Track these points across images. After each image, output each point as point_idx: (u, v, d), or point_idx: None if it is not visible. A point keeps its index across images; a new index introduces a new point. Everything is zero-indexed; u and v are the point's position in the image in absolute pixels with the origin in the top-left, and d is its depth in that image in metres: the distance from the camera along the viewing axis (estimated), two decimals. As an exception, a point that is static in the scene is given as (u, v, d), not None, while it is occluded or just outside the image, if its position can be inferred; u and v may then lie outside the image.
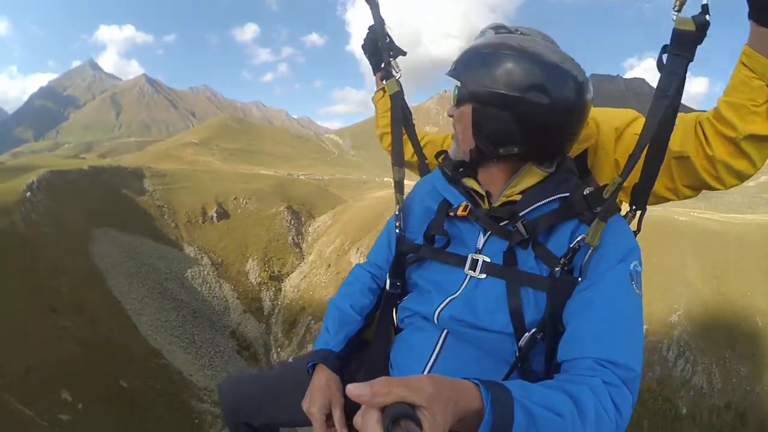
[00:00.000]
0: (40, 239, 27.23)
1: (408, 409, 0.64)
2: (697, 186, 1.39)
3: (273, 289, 37.74)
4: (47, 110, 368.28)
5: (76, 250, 29.23)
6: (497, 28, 1.34)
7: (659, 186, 1.36)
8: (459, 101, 1.23)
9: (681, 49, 1.13)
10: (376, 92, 2.14)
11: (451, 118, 1.30)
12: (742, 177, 1.32)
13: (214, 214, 40.95)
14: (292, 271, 39.47)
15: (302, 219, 44.46)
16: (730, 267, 31.63)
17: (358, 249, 36.15)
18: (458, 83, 1.22)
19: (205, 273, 36.16)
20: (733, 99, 1.22)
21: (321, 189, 52.86)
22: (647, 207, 1.30)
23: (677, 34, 1.12)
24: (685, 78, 1.13)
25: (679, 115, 1.28)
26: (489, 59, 1.17)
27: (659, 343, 29.31)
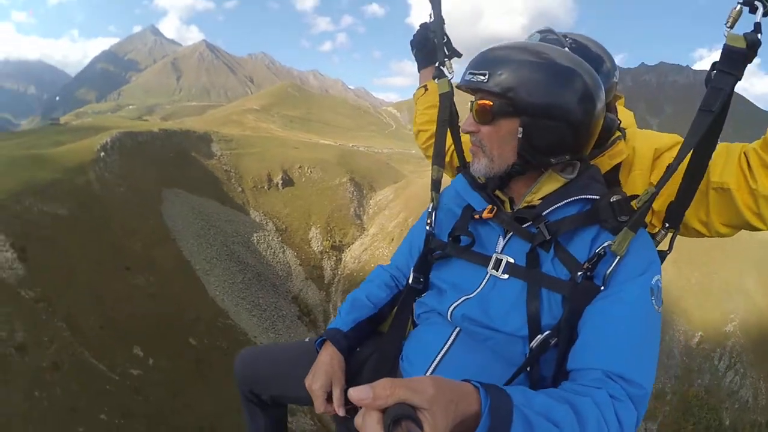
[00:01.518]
0: (113, 198, 27.16)
1: (409, 410, 0.64)
2: (735, 224, 1.27)
3: (334, 258, 36.75)
4: (109, 73, 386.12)
5: (148, 209, 29.10)
6: (546, 33, 1.41)
7: (692, 216, 1.29)
8: (496, 116, 1.14)
9: (730, 66, 1.08)
10: (418, 89, 2.04)
11: (471, 134, 1.22)
12: None
13: (280, 181, 40.16)
14: (353, 242, 38.28)
15: (364, 191, 42.99)
16: None
17: (421, 226, 33.91)
18: (492, 98, 1.14)
19: (270, 238, 35.52)
20: None
21: (382, 163, 51.15)
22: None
23: (727, 51, 1.08)
24: (731, 95, 1.09)
25: (725, 144, 1.25)
26: (536, 69, 1.10)
27: (712, 352, 28.89)
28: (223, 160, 40.08)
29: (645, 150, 1.41)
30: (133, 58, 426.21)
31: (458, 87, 1.29)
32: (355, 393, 0.65)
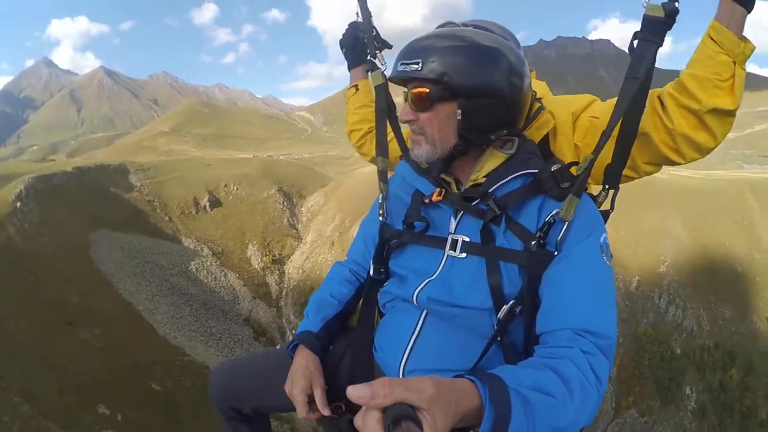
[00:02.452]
0: (39, 251, 25.10)
1: (409, 410, 0.63)
2: (657, 161, 1.34)
3: (277, 272, 36.67)
4: (5, 115, 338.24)
5: (76, 256, 27.22)
6: (449, 25, 1.35)
7: None
8: (434, 101, 1.18)
9: (651, 34, 1.15)
10: (348, 89, 2.02)
11: (409, 123, 1.24)
12: (702, 150, 1.27)
13: (207, 203, 38.98)
14: (293, 253, 38.37)
15: (294, 200, 42.99)
16: (707, 220, 33.82)
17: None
18: (427, 85, 1.17)
19: (208, 264, 34.64)
20: (698, 72, 1.20)
21: (306, 168, 51.13)
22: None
23: (647, 20, 1.15)
24: (654, 61, 1.15)
25: None
26: (466, 53, 1.14)
27: (651, 292, 31.50)
28: (144, 190, 38.01)
29: (563, 115, 1.46)
30: (29, 95, 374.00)
31: (391, 79, 1.32)
32: (354, 391, 0.64)
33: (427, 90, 1.17)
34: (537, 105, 1.40)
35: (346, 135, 2.11)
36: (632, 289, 31.81)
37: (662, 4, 1.15)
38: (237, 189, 41.12)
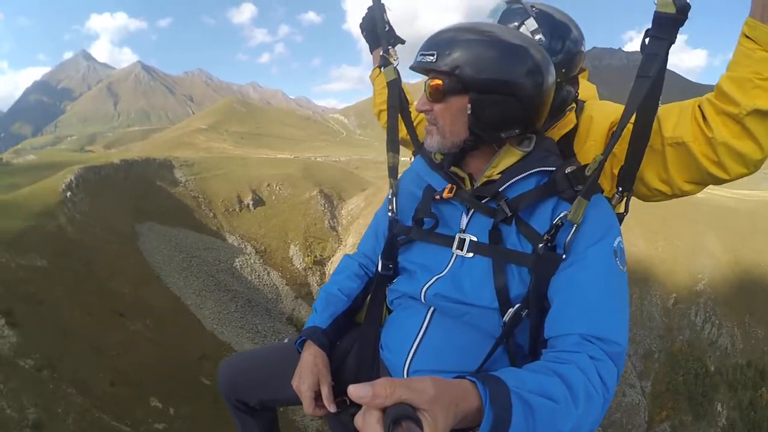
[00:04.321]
0: (89, 241, 24.08)
1: (409, 410, 0.62)
2: (697, 179, 1.21)
3: (318, 273, 35.14)
4: (43, 104, 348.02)
5: (126, 248, 26.21)
6: (511, 2, 1.39)
7: (652, 176, 1.26)
8: (446, 94, 1.13)
9: (662, 31, 1.08)
10: (373, 70, 1.95)
11: (426, 112, 1.19)
12: (748, 163, 1.13)
13: (250, 202, 37.85)
14: (333, 255, 36.83)
15: (334, 203, 41.55)
16: (744, 240, 33.34)
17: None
18: (441, 77, 1.12)
19: (252, 261, 33.34)
20: (736, 74, 1.09)
21: (345, 171, 49.72)
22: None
23: (658, 17, 1.09)
24: (666, 59, 1.08)
25: (677, 103, 1.24)
26: (483, 47, 1.09)
27: (687, 309, 31.13)
28: (189, 186, 37.13)
29: (601, 121, 1.36)
30: (67, 86, 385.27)
31: (412, 69, 1.23)
32: (355, 391, 0.62)
33: (441, 82, 1.13)
34: (573, 105, 1.36)
35: (375, 116, 1.95)
36: (669, 306, 31.27)
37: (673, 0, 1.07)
38: (279, 189, 39.94)
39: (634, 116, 1.13)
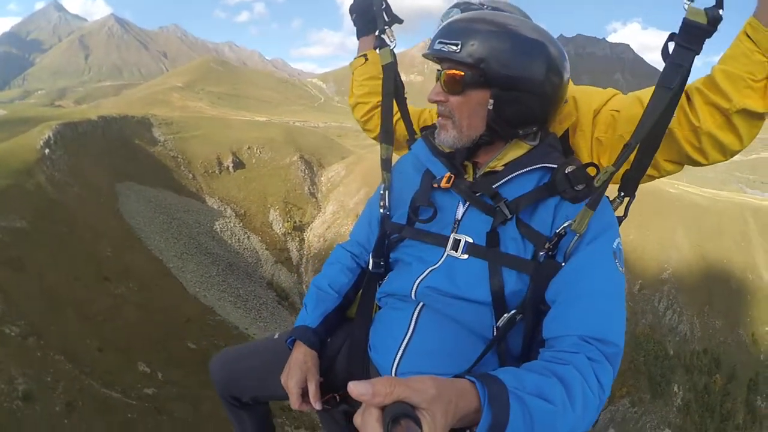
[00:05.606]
0: (70, 200, 22.70)
1: (408, 408, 0.60)
2: (679, 160, 1.21)
3: (297, 239, 34.80)
4: (11, 56, 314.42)
5: (106, 209, 24.93)
6: (463, 5, 1.27)
7: None
8: (466, 87, 1.07)
9: (689, 41, 1.01)
10: (356, 58, 1.69)
11: (438, 103, 1.13)
12: (726, 152, 1.14)
13: (230, 164, 36.52)
14: (312, 221, 36.44)
15: (314, 169, 40.65)
16: (711, 237, 34.85)
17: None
18: (463, 69, 1.05)
19: (232, 225, 32.54)
20: (731, 69, 1.06)
21: (326, 138, 48.41)
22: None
23: (687, 25, 1.01)
24: (689, 72, 1.02)
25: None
26: (510, 42, 1.03)
27: (652, 296, 32.68)
28: (168, 145, 35.28)
29: (583, 110, 1.30)
30: (37, 38, 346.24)
31: (426, 56, 1.15)
32: (356, 388, 0.60)
33: (462, 73, 1.06)
34: (562, 95, 1.23)
35: (350, 108, 1.75)
36: (635, 291, 32.43)
37: (705, 9, 0.99)
38: (260, 152, 38.62)
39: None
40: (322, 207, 37.69)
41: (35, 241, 18.15)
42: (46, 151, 23.72)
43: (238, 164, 37.03)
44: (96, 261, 20.24)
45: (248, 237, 32.53)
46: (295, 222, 35.44)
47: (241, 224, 33.21)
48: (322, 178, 40.36)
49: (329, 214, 36.28)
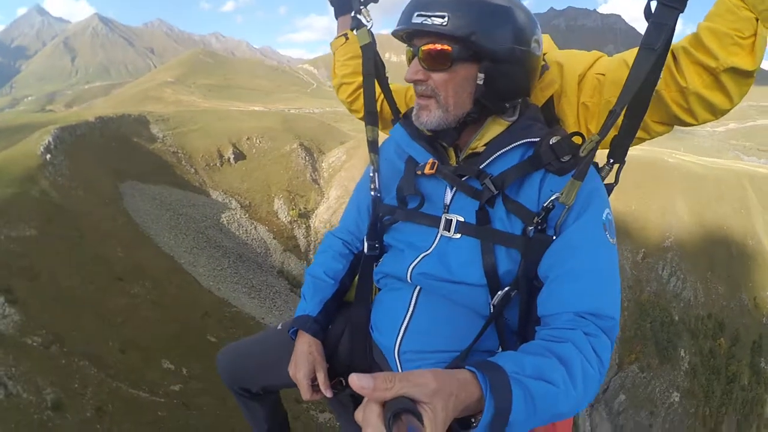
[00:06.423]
0: (76, 205, 22.10)
1: (409, 403, 0.60)
2: (668, 120, 1.15)
3: (304, 226, 34.34)
4: None
5: (112, 209, 24.36)
6: None
7: None
8: (453, 62, 0.99)
9: None
10: (336, 38, 1.63)
11: (418, 83, 1.05)
12: (716, 112, 1.08)
13: (231, 156, 35.72)
14: (317, 207, 35.92)
15: (314, 155, 39.85)
16: (710, 204, 34.69)
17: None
18: (449, 43, 0.98)
19: (238, 216, 32.02)
20: (717, 26, 1.01)
21: (324, 124, 47.26)
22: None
23: None
24: (673, 31, 0.95)
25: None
26: (497, 12, 0.97)
27: (655, 264, 32.65)
28: (167, 141, 34.42)
29: (569, 76, 1.23)
30: (21, 44, 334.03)
31: (398, 32, 1.04)
32: (358, 381, 0.59)
33: (450, 48, 0.98)
34: (541, 63, 1.17)
35: (334, 89, 1.69)
36: (638, 260, 32.34)
37: None
38: (260, 142, 37.78)
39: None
40: (325, 193, 37.14)
41: (46, 248, 17.68)
42: (47, 156, 23.00)
43: (239, 155, 36.25)
44: (108, 262, 19.81)
45: (255, 227, 32.08)
46: (300, 209, 34.94)
47: (247, 215, 32.71)
48: (323, 164, 39.65)
49: (333, 200, 35.74)
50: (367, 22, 1.40)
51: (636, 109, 1.01)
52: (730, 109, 1.10)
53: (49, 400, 12.08)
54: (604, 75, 1.18)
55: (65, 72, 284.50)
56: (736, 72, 1.01)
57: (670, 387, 29.28)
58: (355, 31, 1.42)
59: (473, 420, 0.70)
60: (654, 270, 32.14)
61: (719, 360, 30.23)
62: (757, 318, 31.64)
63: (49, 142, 23.60)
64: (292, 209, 34.58)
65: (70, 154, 25.17)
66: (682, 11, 0.94)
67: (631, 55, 1.11)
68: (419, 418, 0.58)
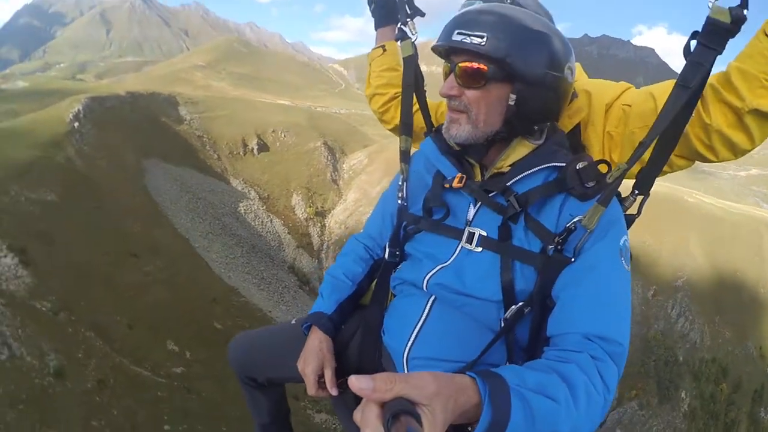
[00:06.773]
0: (99, 175, 21.93)
1: (408, 405, 0.59)
2: (689, 155, 1.16)
3: (319, 225, 33.89)
4: (33, 28, 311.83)
5: (133, 185, 24.16)
6: None
7: None
8: (488, 81, 1.01)
9: (712, 40, 0.98)
10: (374, 49, 1.65)
11: (452, 98, 1.06)
12: (736, 151, 1.10)
13: (255, 147, 35.54)
14: (333, 208, 35.48)
15: (337, 156, 39.52)
16: (725, 247, 34.07)
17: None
18: (485, 62, 0.99)
19: (255, 207, 31.71)
20: (747, 68, 1.02)
21: (349, 126, 46.94)
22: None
23: (710, 24, 0.97)
24: (710, 71, 0.99)
25: (670, 81, 1.11)
26: (534, 36, 1.00)
27: (665, 302, 32.09)
28: (193, 124, 34.35)
29: (597, 104, 1.24)
30: (59, 11, 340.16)
31: (438, 47, 1.06)
32: (357, 382, 0.60)
33: (486, 68, 1.00)
34: (572, 90, 1.18)
35: (367, 99, 1.71)
36: (648, 296, 32.06)
37: (730, 8, 0.96)
38: (284, 136, 37.56)
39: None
40: (343, 194, 36.70)
41: (64, 215, 17.42)
42: (76, 124, 22.92)
43: (263, 147, 36.07)
44: (124, 237, 19.51)
45: (271, 220, 31.70)
46: (317, 208, 34.54)
47: (264, 207, 32.38)
48: (344, 166, 39.26)
49: (351, 202, 35.27)
50: (413, 34, 1.42)
51: (665, 143, 1.03)
52: (751, 150, 1.09)
53: (52, 367, 11.63)
54: (630, 106, 1.17)
55: (99, 43, 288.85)
56: (760, 114, 1.01)
57: (667, 428, 28.46)
58: (399, 42, 1.43)
59: (470, 428, 0.68)
60: (663, 308, 31.74)
61: (719, 405, 29.30)
62: (761, 367, 30.79)
63: (78, 110, 23.52)
64: (309, 207, 34.18)
65: (98, 125, 25.09)
66: (721, 53, 0.96)
67: (657, 88, 1.12)
68: (418, 419, 0.58)
